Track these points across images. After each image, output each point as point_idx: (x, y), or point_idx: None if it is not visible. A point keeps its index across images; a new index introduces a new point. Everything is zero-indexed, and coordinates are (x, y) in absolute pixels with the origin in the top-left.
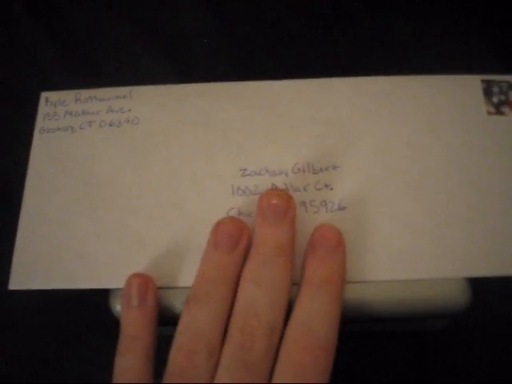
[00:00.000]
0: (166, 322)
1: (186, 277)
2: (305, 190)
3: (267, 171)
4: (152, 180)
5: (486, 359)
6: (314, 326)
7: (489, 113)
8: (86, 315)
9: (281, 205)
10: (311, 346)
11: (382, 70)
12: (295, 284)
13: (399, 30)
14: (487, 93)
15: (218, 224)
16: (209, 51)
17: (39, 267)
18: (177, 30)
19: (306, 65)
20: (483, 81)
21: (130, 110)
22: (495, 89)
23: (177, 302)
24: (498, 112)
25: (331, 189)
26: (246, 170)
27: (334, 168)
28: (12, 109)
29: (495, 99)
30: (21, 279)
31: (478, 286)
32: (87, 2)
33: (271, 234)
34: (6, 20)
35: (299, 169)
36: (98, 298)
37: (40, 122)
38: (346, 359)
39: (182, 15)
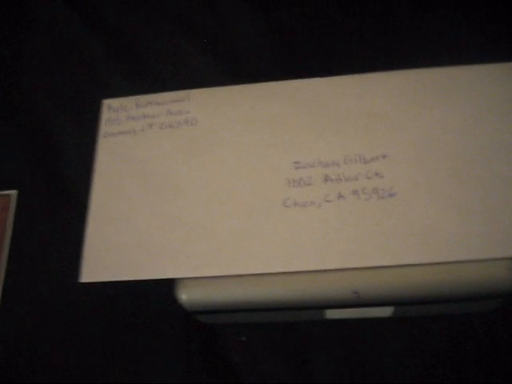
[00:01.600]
0: (227, 309)
1: (247, 265)
2: (356, 179)
3: (319, 163)
4: (211, 175)
5: None
6: None
7: None
8: (153, 304)
9: None
10: None
11: (423, 61)
12: None
13: (440, 19)
14: None
15: None
16: (258, 50)
17: (107, 261)
18: (227, 33)
19: (352, 61)
20: None
21: (188, 112)
22: None
23: (238, 290)
24: None
25: (381, 177)
26: (299, 162)
27: (384, 157)
28: (76, 116)
29: None
30: (91, 272)
31: None
32: (141, 10)
33: None
34: (64, 32)
35: (350, 159)
36: (164, 288)
37: (103, 127)
38: (401, 341)
39: (232, 19)
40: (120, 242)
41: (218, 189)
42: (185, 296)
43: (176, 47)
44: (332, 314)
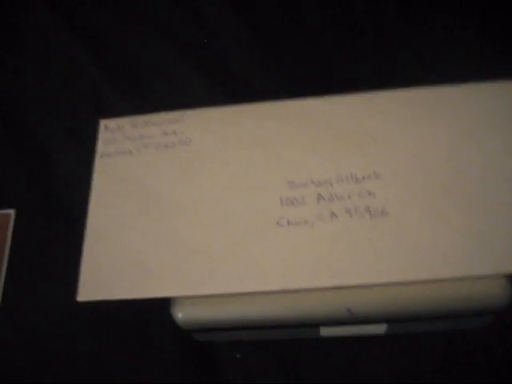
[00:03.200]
0: (223, 327)
1: (241, 283)
2: (349, 197)
3: (312, 182)
4: (205, 195)
5: None
6: None
7: None
8: (149, 323)
9: None
10: None
11: (418, 81)
12: None
13: (431, 41)
14: None
15: None
16: (252, 71)
17: (104, 279)
18: (221, 53)
19: (345, 80)
20: None
21: (182, 132)
22: None
23: (233, 308)
24: None
25: (374, 196)
26: (292, 182)
27: (376, 176)
28: (73, 136)
29: None
30: (88, 291)
31: None
32: (138, 32)
33: None
34: (65, 54)
35: (343, 178)
36: (161, 306)
37: (100, 148)
38: (395, 358)
39: (225, 39)
40: (117, 261)
41: (213, 208)
42: (180, 315)
43: (173, 67)
44: (326, 332)
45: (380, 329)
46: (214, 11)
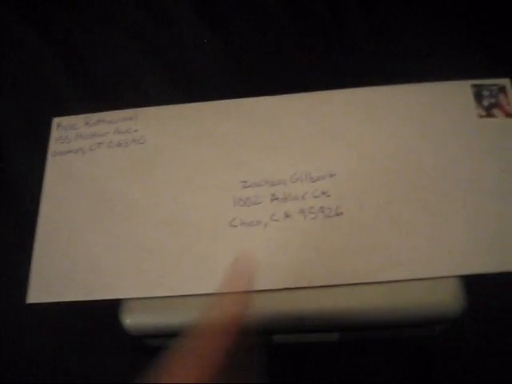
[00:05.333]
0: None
1: (193, 285)
2: (303, 198)
3: (266, 182)
4: (159, 194)
5: (486, 360)
6: None
7: (480, 116)
8: (97, 327)
9: None
10: None
11: (377, 80)
12: None
13: (393, 39)
14: (478, 97)
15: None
16: (209, 69)
17: (55, 281)
18: (179, 51)
19: (303, 78)
20: (473, 85)
21: (136, 131)
22: (485, 92)
23: (182, 313)
24: (489, 115)
25: (328, 196)
26: (246, 181)
27: (331, 176)
28: (26, 133)
29: (486, 102)
30: (38, 293)
31: (475, 286)
32: (96, 28)
33: None
34: (20, 48)
35: (297, 178)
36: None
37: (52, 146)
38: (348, 367)
39: (184, 36)
40: (68, 262)
41: (167, 208)
42: (129, 320)
43: (130, 64)
44: (279, 339)
45: (333, 336)
46: (176, 11)
